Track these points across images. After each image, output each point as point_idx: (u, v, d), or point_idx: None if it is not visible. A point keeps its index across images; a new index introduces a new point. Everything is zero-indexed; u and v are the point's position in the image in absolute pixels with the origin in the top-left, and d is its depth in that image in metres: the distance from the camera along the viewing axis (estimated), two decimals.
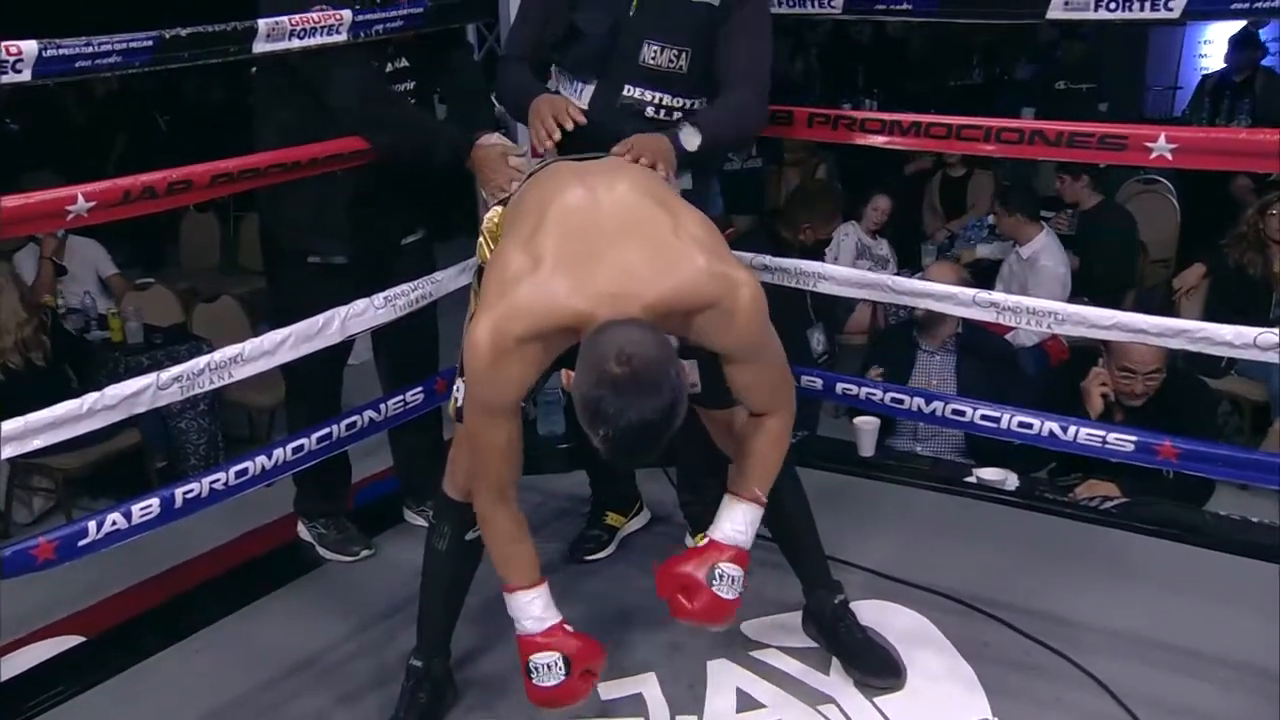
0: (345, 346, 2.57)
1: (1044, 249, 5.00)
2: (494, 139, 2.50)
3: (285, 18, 2.30)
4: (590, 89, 2.35)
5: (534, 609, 1.94)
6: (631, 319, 1.70)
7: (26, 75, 1.89)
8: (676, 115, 2.33)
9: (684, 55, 2.30)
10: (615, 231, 1.80)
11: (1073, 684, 2.26)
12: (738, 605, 1.97)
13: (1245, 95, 6.57)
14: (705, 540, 1.99)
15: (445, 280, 2.71)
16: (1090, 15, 2.25)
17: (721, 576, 1.93)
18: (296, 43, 2.32)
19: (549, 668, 1.92)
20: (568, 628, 1.96)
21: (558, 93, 2.39)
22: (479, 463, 1.93)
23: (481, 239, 2.10)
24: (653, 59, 2.29)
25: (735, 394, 1.96)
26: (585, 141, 2.26)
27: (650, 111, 2.32)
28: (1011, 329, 3.50)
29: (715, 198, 2.49)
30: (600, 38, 2.30)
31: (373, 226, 2.63)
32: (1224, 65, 7.02)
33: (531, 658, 1.93)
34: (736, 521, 1.98)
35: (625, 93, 2.32)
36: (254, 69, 2.66)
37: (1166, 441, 2.33)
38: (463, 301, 2.22)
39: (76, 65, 1.97)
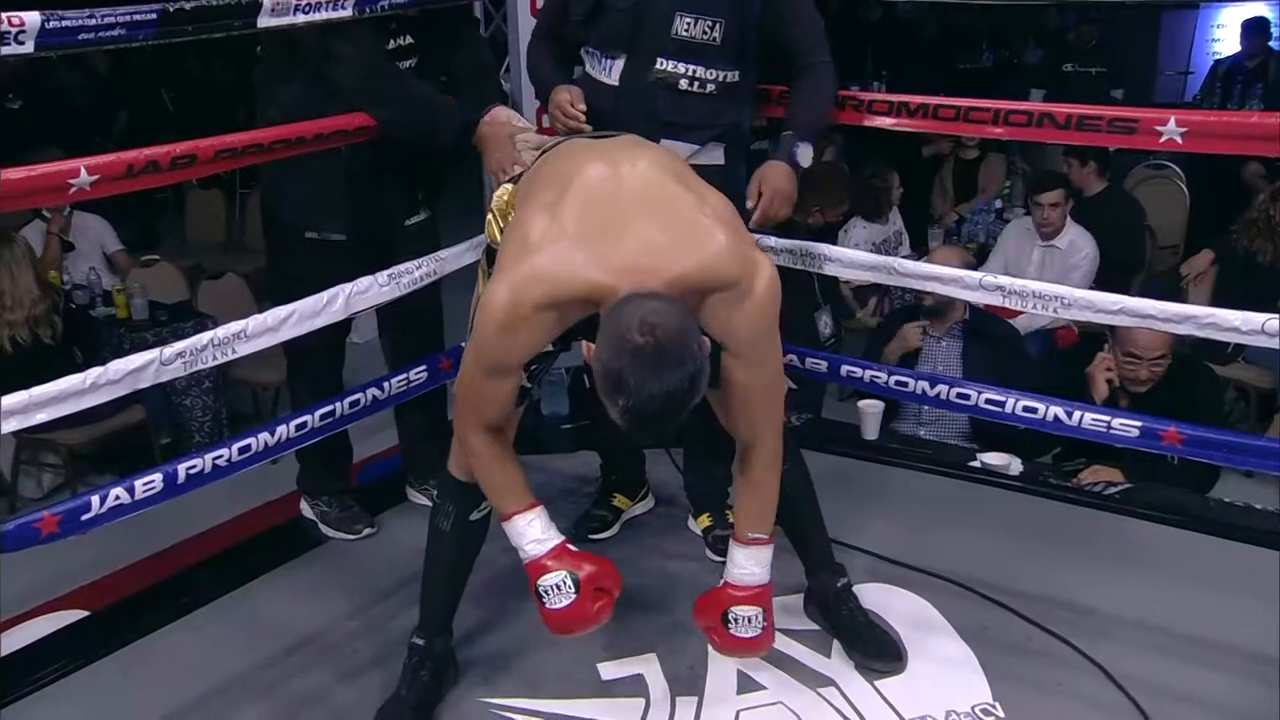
0: (345, 323, 2.56)
1: (1080, 236, 4.95)
2: (504, 116, 2.49)
3: None
4: (619, 64, 2.35)
5: (534, 530, 1.92)
6: (654, 292, 1.70)
7: (29, 47, 1.88)
8: (710, 88, 2.33)
9: (718, 26, 2.29)
10: (637, 206, 1.79)
11: (1074, 669, 2.26)
12: (767, 638, 2.04)
13: (1258, 81, 6.52)
14: (722, 583, 2.04)
15: (451, 258, 2.70)
16: None
17: (737, 620, 2.01)
18: (301, 17, 2.31)
19: (558, 588, 1.89)
20: (571, 547, 1.94)
21: (586, 73, 2.40)
22: (471, 409, 1.91)
23: (490, 216, 2.09)
24: (685, 31, 2.29)
25: (729, 401, 1.95)
26: (617, 115, 2.26)
27: (684, 84, 2.32)
28: (1018, 313, 3.48)
29: (742, 178, 2.49)
30: (626, 11, 2.30)
31: (372, 204, 2.62)
32: (1237, 50, 6.97)
33: (539, 581, 1.90)
34: (742, 565, 2.02)
35: (659, 66, 2.31)
36: (259, 47, 2.65)
37: (1171, 427, 2.32)
38: (468, 279, 2.22)
39: (79, 37, 1.95)
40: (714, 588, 2.07)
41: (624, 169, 1.84)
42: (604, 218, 1.77)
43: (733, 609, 2.01)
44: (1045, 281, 4.72)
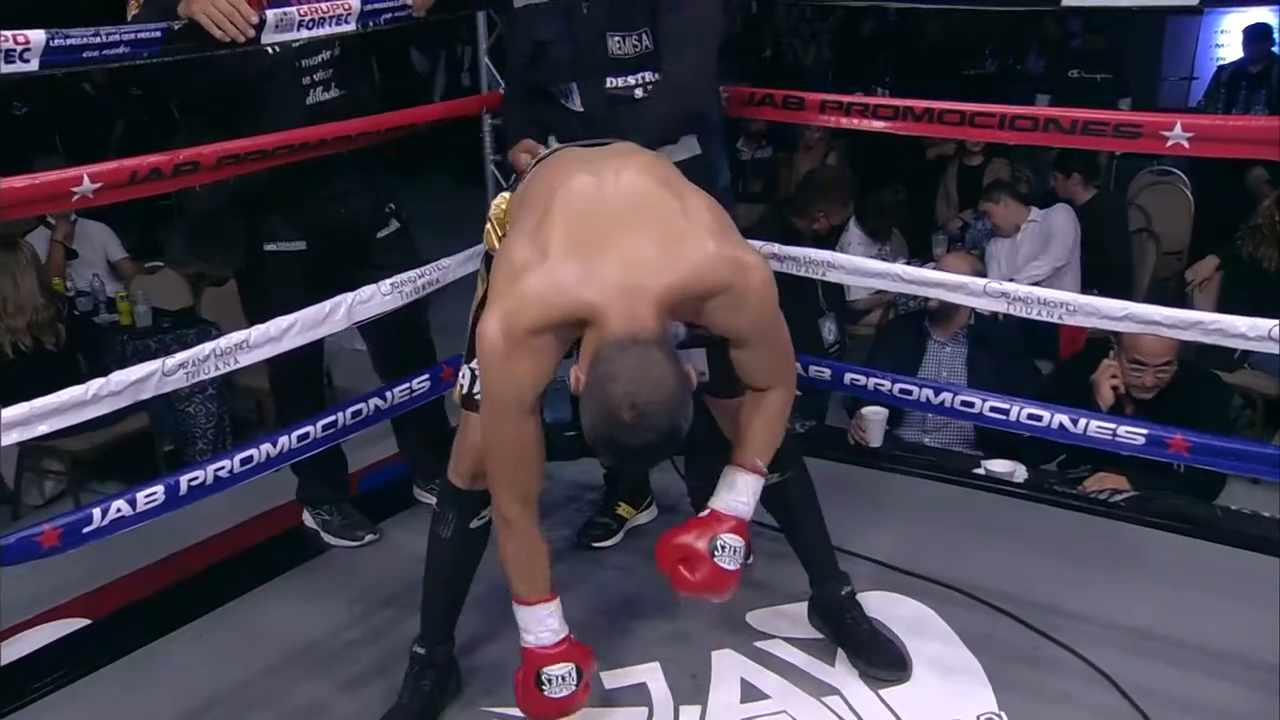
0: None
1: (1051, 211, 5.11)
2: None
3: (294, 8, 2.28)
4: (575, 92, 2.37)
5: (551, 623, 1.94)
6: (644, 340, 1.67)
7: (34, 65, 1.88)
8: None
9: (645, 35, 2.30)
10: (623, 218, 1.78)
11: (1079, 678, 2.24)
12: (739, 576, 1.96)
13: (1262, 86, 6.52)
14: (707, 511, 1.98)
15: (453, 266, 2.70)
16: (1109, 2, 2.22)
17: (724, 547, 1.93)
18: (304, 33, 2.31)
19: (563, 679, 1.92)
20: (572, 637, 1.96)
21: (560, 104, 2.40)
22: (501, 468, 1.89)
23: (489, 225, 2.09)
24: (619, 49, 2.31)
25: (739, 373, 1.95)
26: (587, 131, 2.26)
27: (639, 93, 2.34)
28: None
29: (723, 167, 2.48)
30: (560, 43, 2.32)
31: (332, 213, 2.58)
32: (1240, 56, 6.96)
33: (544, 670, 1.92)
34: (738, 492, 1.98)
35: (609, 85, 2.34)
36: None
37: (1178, 435, 2.31)
38: (467, 288, 2.21)
39: (84, 55, 1.96)
40: (691, 519, 2.00)
41: (608, 180, 1.83)
42: (590, 232, 1.76)
43: (722, 535, 1.93)
44: (1034, 248, 4.97)
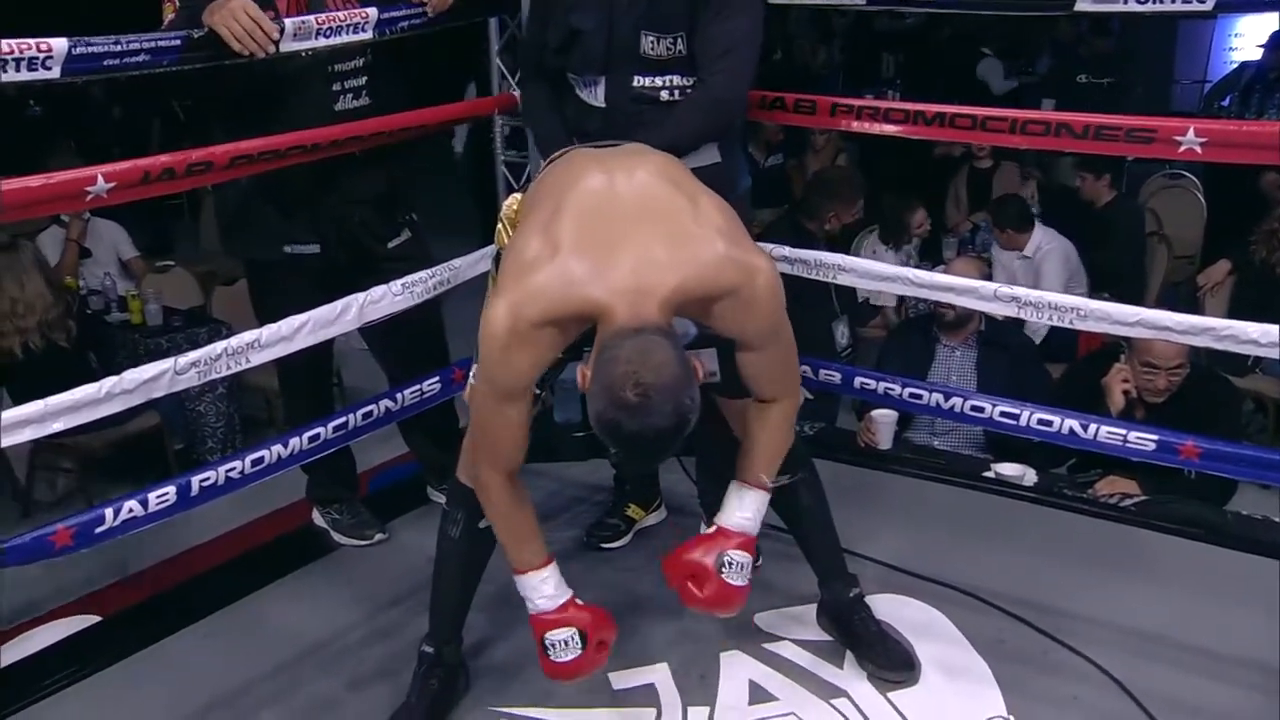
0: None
1: (1045, 237, 5.06)
2: None
3: (311, 17, 2.30)
4: (601, 86, 2.36)
5: (546, 588, 1.96)
6: (649, 329, 1.68)
7: (56, 73, 1.91)
8: (691, 93, 2.33)
9: (680, 40, 2.29)
10: (634, 217, 1.79)
11: (1089, 682, 2.24)
12: (747, 592, 2.00)
13: (1277, 90, 6.45)
14: (713, 528, 2.00)
15: (465, 266, 2.70)
16: (1119, 8, 2.22)
17: (730, 564, 1.96)
18: (322, 41, 2.32)
19: (566, 644, 1.94)
20: (578, 602, 1.98)
21: (576, 96, 2.38)
22: (485, 442, 1.93)
23: (500, 225, 2.09)
24: (652, 49, 2.30)
25: (744, 379, 1.95)
26: (608, 136, 2.26)
27: (665, 95, 2.33)
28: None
29: (743, 171, 2.47)
30: (598, 34, 2.31)
31: (347, 221, 2.59)
32: (1260, 59, 6.88)
33: (547, 635, 1.95)
34: (744, 509, 2.00)
35: (636, 83, 2.33)
36: None
37: (1189, 441, 2.30)
38: (478, 289, 2.22)
39: (104, 63, 1.99)
40: (697, 535, 2.03)
41: (620, 179, 1.84)
42: (600, 230, 1.77)
43: (729, 552, 1.96)
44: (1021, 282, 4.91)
